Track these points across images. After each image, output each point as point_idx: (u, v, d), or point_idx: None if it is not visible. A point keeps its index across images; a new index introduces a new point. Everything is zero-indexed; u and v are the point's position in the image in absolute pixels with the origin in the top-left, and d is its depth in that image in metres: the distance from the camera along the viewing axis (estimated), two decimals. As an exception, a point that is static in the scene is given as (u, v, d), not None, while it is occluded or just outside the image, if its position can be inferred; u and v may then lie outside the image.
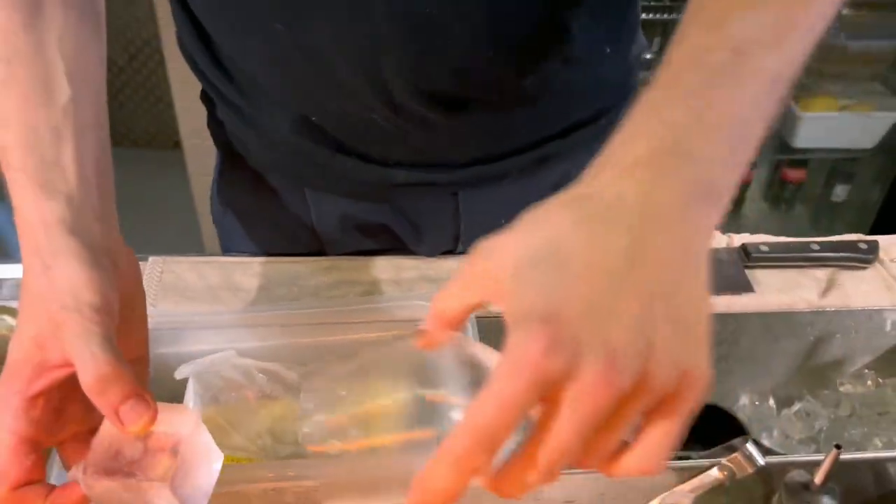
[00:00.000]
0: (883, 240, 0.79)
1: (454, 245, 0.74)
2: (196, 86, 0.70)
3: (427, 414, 0.38)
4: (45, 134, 0.40)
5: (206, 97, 0.70)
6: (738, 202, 2.17)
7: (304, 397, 0.39)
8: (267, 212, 0.71)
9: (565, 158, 0.67)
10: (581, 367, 0.28)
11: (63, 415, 0.40)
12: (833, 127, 1.96)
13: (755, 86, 0.33)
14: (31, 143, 0.40)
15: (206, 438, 0.41)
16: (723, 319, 0.71)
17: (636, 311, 0.29)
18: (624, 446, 0.31)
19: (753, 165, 2.13)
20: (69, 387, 0.38)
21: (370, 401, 0.38)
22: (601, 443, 0.29)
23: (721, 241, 0.78)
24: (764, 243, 0.77)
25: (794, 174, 2.15)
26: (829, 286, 0.75)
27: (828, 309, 0.73)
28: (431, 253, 0.73)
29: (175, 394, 0.65)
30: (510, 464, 0.30)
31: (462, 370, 0.37)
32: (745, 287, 0.73)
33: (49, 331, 0.37)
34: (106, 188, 0.42)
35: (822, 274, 0.76)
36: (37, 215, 0.38)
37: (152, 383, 0.63)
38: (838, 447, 0.49)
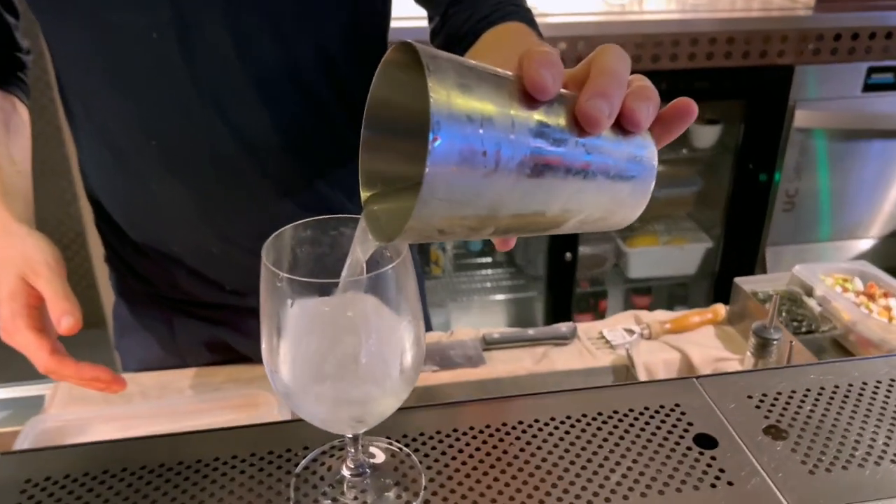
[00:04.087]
0: (583, 325, 1.15)
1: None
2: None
3: None
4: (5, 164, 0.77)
5: (110, 263, 1.03)
6: (598, 328, 2.54)
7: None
8: (150, 335, 1.03)
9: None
10: None
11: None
12: (657, 259, 2.39)
13: None
14: None
15: None
16: (462, 387, 1.04)
17: None
18: None
19: (605, 295, 2.53)
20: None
21: None
22: None
23: (469, 333, 1.12)
24: (499, 332, 1.12)
25: (641, 301, 2.55)
26: (542, 358, 1.09)
27: (540, 372, 1.07)
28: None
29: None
30: None
31: None
32: (480, 361, 1.07)
33: (30, 274, 0.69)
34: (29, 195, 0.78)
35: (539, 350, 1.11)
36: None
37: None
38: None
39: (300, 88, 0.84)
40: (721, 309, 1.17)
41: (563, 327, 1.13)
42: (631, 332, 1.14)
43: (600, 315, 2.53)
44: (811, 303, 1.14)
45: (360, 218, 0.43)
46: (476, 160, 0.37)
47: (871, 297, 1.13)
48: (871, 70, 2.06)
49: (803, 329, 1.08)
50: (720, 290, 2.42)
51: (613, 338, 1.12)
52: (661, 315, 1.18)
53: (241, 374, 1.05)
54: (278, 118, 0.84)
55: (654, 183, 0.45)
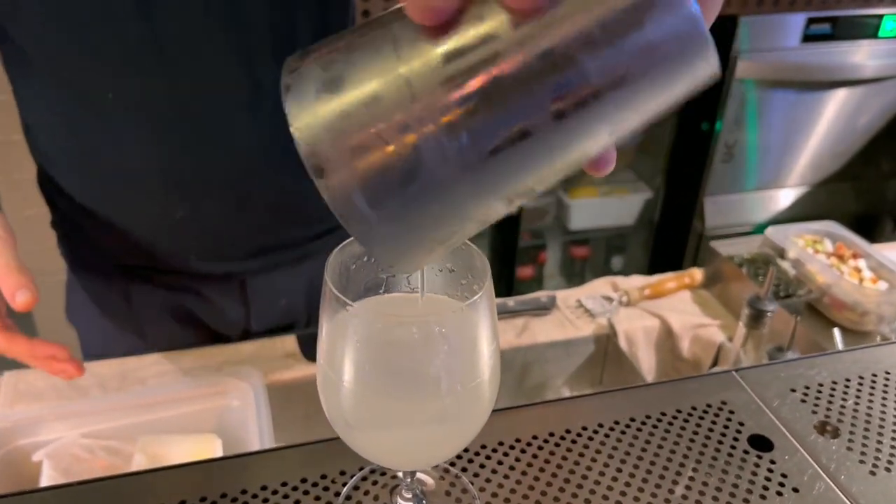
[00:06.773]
0: (561, 293, 1.12)
1: (248, 322, 0.98)
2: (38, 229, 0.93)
3: None
4: None
5: (58, 228, 0.92)
6: (539, 280, 2.54)
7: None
8: (107, 312, 0.94)
9: (325, 253, 0.95)
10: None
11: None
12: (597, 210, 2.38)
13: None
14: None
15: None
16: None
17: None
18: None
19: (544, 247, 2.52)
20: None
21: None
22: None
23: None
24: (477, 305, 1.07)
25: (579, 251, 2.56)
26: (523, 330, 1.06)
27: (523, 344, 1.04)
28: (230, 330, 0.98)
29: (33, 474, 0.85)
30: None
31: None
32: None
33: None
34: None
35: (519, 321, 1.07)
36: None
37: (12, 469, 0.83)
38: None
39: (277, 32, 0.76)
40: (697, 273, 1.16)
41: (543, 297, 1.09)
42: (609, 299, 1.11)
43: (540, 267, 2.53)
44: (785, 265, 1.14)
45: None
46: (389, 167, 0.27)
47: (841, 258, 1.14)
48: (810, 21, 2.07)
49: (781, 293, 1.08)
50: (659, 240, 2.45)
51: (593, 306, 1.10)
52: (637, 281, 1.16)
53: (209, 360, 0.97)
54: (250, 66, 0.76)
55: (707, 39, 0.26)
